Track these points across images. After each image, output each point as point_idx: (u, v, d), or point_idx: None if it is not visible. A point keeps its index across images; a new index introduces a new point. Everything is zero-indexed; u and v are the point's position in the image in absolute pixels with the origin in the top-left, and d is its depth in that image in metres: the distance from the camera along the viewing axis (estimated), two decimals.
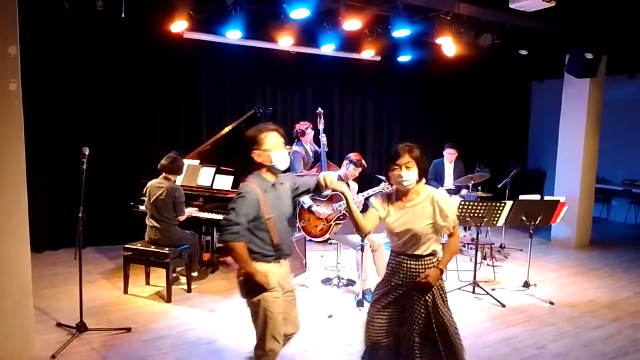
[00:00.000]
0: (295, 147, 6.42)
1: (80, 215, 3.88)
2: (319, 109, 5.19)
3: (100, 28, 6.17)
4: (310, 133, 6.35)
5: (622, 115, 8.97)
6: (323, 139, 5.37)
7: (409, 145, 2.80)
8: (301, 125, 6.38)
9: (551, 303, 5.00)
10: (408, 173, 2.74)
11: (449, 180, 7.08)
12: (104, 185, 6.54)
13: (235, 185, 5.28)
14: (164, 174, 4.85)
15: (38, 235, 5.92)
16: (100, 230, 6.51)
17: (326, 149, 5.44)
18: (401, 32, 5.55)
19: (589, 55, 6.43)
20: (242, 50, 6.94)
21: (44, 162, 6.10)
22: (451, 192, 6.81)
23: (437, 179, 7.15)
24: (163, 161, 4.86)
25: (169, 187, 4.76)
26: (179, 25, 5.57)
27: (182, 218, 4.90)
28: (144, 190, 4.92)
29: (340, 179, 5.21)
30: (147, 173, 5.00)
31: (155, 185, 4.81)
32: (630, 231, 8.73)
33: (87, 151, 3.88)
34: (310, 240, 5.63)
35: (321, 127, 5.22)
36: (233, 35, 5.83)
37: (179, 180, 5.35)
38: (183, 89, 6.98)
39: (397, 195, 2.87)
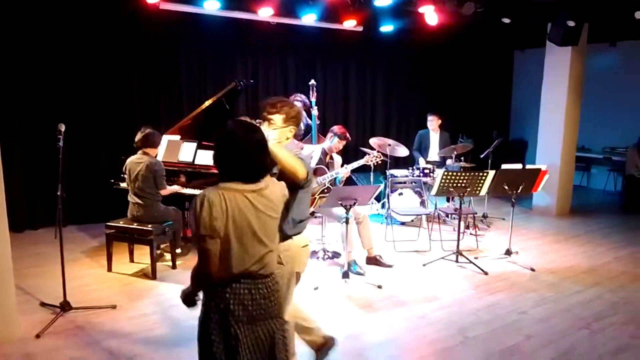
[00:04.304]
0: None
1: (59, 193, 3.81)
2: (312, 80, 5.08)
3: (75, 0, 5.97)
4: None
5: (603, 83, 9.02)
6: (315, 111, 5.30)
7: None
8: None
9: (532, 270, 5.10)
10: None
11: (434, 151, 7.06)
12: (84, 162, 6.40)
13: None
14: (142, 150, 4.77)
15: (17, 215, 5.81)
16: (82, 208, 6.41)
17: (318, 122, 5.36)
18: (383, 0, 5.46)
19: (570, 23, 6.40)
20: (221, 21, 6.78)
21: (20, 140, 5.94)
22: (436, 163, 6.82)
23: (421, 149, 7.14)
24: (137, 137, 4.76)
25: (148, 161, 4.68)
26: None
27: (164, 192, 4.82)
28: (124, 167, 4.83)
29: (324, 151, 5.19)
30: (128, 149, 4.91)
31: (135, 162, 4.72)
32: (610, 198, 8.89)
33: (63, 128, 3.78)
34: None
35: (313, 99, 5.14)
36: (211, 5, 5.69)
37: (160, 156, 5.27)
38: (161, 62, 6.80)
39: None
